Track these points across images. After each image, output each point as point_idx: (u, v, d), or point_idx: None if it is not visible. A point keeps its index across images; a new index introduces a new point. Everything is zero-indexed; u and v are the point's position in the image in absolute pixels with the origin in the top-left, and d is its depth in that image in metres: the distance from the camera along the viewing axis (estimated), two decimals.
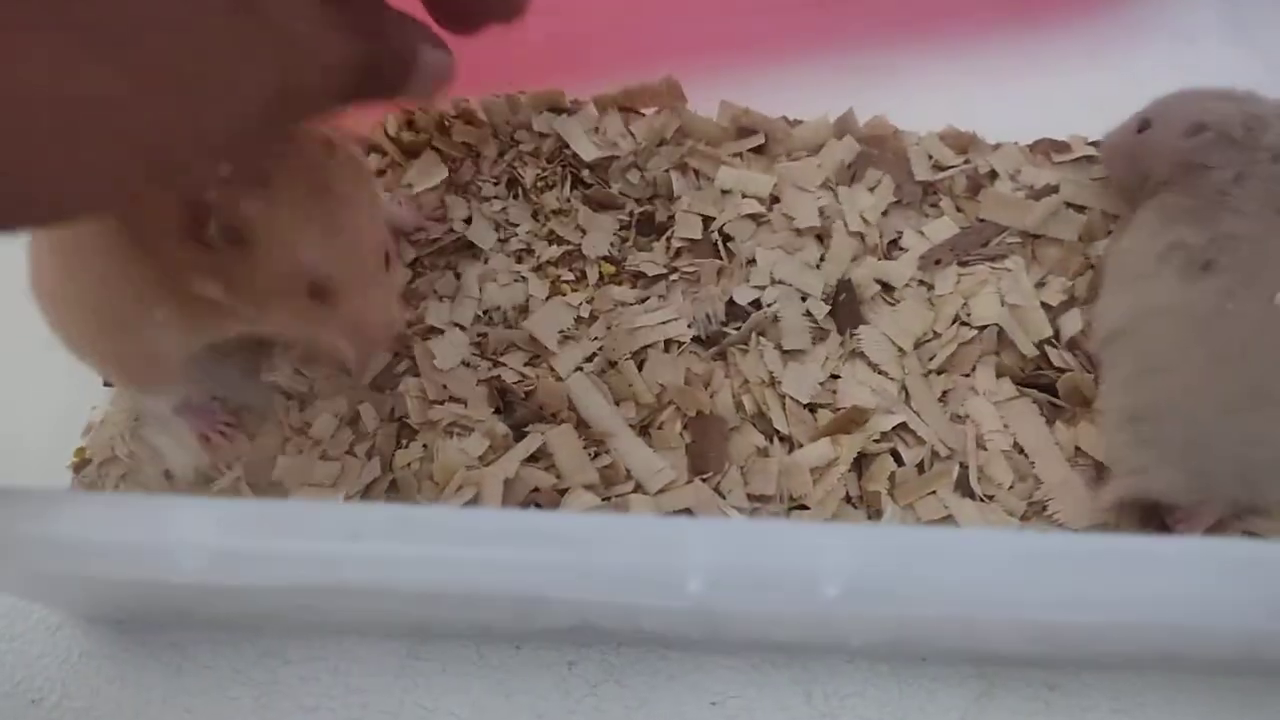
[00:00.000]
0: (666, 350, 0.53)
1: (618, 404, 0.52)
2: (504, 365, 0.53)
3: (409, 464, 0.51)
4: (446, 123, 0.61)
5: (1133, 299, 0.48)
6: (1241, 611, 0.35)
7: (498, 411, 0.52)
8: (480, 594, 0.31)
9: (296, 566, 0.30)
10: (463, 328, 0.55)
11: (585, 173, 0.59)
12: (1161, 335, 0.46)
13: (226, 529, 0.33)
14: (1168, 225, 0.48)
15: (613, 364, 0.53)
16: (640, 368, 0.53)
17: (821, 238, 0.56)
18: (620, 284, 0.56)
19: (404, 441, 0.52)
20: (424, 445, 0.51)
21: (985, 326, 0.52)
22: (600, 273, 0.56)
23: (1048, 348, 0.52)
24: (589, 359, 0.53)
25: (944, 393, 0.52)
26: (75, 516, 0.36)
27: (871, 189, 0.58)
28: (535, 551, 0.30)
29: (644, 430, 0.52)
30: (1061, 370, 0.51)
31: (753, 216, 0.57)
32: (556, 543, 0.30)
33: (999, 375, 0.51)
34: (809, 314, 0.54)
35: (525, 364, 0.53)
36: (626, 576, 0.30)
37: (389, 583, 0.30)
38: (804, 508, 0.49)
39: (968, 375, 0.52)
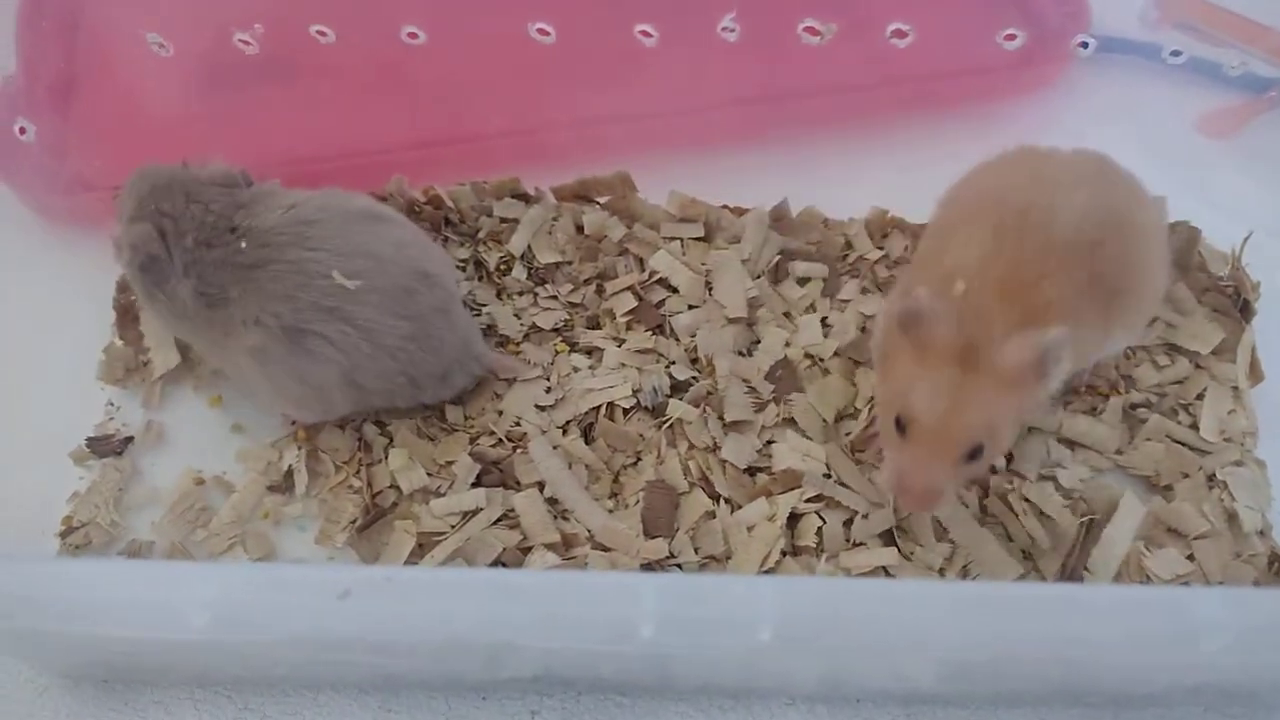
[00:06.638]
0: (612, 418, 0.59)
1: (570, 466, 0.57)
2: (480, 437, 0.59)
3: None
4: (416, 208, 0.66)
5: None
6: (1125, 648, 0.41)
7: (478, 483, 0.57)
8: (462, 644, 0.35)
9: (291, 621, 0.35)
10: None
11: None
12: None
13: (227, 589, 0.37)
14: None
15: (564, 429, 0.58)
16: (590, 431, 0.58)
17: (751, 324, 0.62)
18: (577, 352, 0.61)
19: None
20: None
21: None
22: (555, 350, 0.62)
23: None
24: (558, 428, 0.59)
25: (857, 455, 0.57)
26: (78, 578, 0.41)
27: (800, 281, 0.64)
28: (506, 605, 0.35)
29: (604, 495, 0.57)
30: None
31: (689, 305, 0.63)
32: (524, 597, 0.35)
33: None
34: (751, 388, 0.60)
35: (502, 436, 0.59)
36: (587, 625, 0.35)
37: (375, 636, 0.34)
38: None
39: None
